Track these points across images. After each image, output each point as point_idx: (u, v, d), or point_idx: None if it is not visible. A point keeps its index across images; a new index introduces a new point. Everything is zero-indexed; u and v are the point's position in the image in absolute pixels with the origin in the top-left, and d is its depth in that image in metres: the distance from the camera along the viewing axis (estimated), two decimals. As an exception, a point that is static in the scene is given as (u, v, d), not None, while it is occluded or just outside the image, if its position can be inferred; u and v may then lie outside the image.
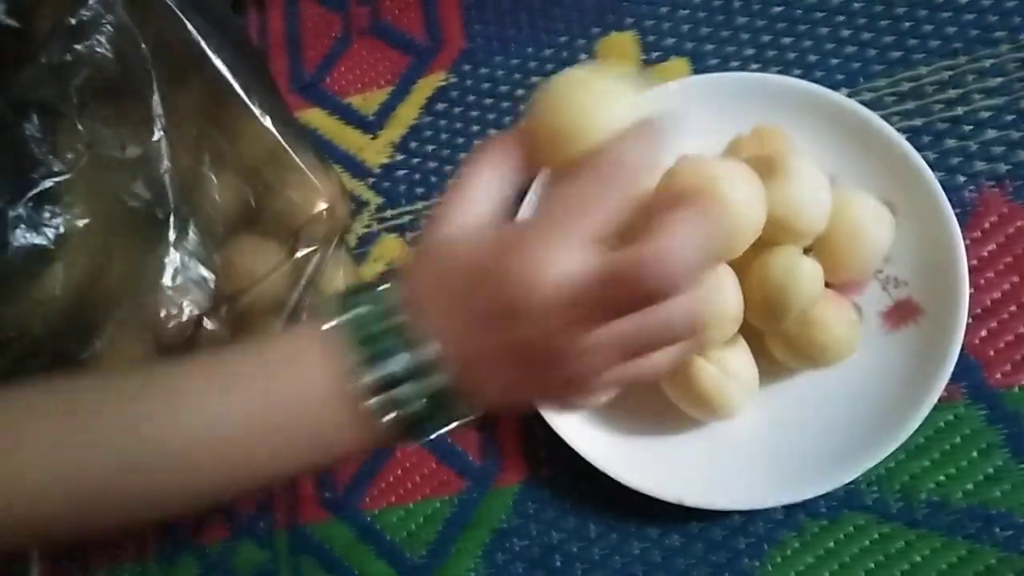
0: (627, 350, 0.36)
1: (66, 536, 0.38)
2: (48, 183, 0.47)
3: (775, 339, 0.52)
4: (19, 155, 0.46)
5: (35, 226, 0.46)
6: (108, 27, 0.52)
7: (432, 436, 0.39)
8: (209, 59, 0.55)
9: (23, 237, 0.46)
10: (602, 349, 0.35)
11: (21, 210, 0.45)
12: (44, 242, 0.47)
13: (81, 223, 0.48)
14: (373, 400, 0.36)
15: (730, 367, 0.51)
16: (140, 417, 0.37)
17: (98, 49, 0.52)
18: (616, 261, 0.33)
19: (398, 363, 0.36)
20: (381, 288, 0.38)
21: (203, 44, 0.55)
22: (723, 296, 0.49)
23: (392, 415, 0.37)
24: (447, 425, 0.39)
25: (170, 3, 0.53)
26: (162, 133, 0.53)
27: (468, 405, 0.38)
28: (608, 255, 0.34)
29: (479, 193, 0.39)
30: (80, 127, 0.48)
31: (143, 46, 0.53)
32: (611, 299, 0.34)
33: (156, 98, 0.53)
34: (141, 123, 0.52)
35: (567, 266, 0.34)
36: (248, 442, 0.37)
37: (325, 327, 0.37)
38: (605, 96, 0.37)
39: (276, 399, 0.37)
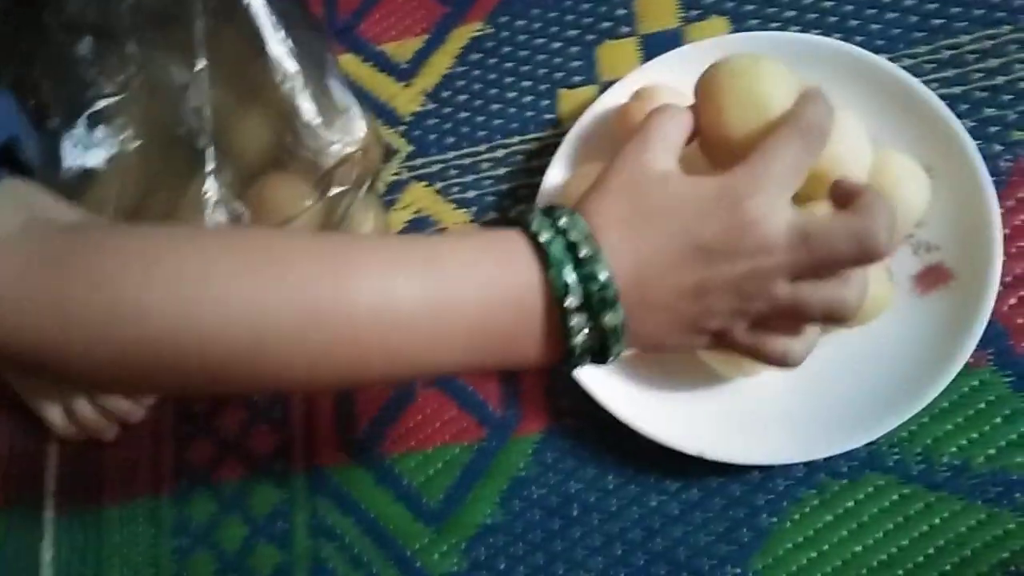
0: (803, 310, 0.39)
1: (231, 381, 0.38)
2: (102, 103, 0.46)
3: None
4: (73, 76, 0.46)
5: (89, 146, 0.46)
6: (156, -51, 0.52)
7: (582, 367, 0.40)
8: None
9: (78, 157, 0.46)
10: (787, 301, 0.38)
11: (76, 130, 0.45)
12: (97, 162, 0.47)
13: (133, 145, 0.48)
14: (574, 321, 0.37)
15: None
16: (337, 276, 0.37)
17: (147, -29, 0.52)
18: (847, 219, 0.38)
19: (582, 292, 0.37)
20: (569, 217, 0.39)
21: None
22: None
23: (578, 339, 0.38)
24: (602, 360, 0.40)
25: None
26: (205, 63, 0.53)
27: (627, 343, 0.39)
28: (823, 215, 0.39)
29: (665, 145, 0.41)
30: (131, 49, 0.48)
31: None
32: (821, 252, 0.37)
33: (199, 26, 0.53)
34: (186, 51, 0.52)
35: (790, 215, 0.37)
36: (439, 322, 0.37)
37: (529, 239, 0.38)
38: (777, 77, 0.43)
39: (477, 289, 0.38)
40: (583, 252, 0.37)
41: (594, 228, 0.38)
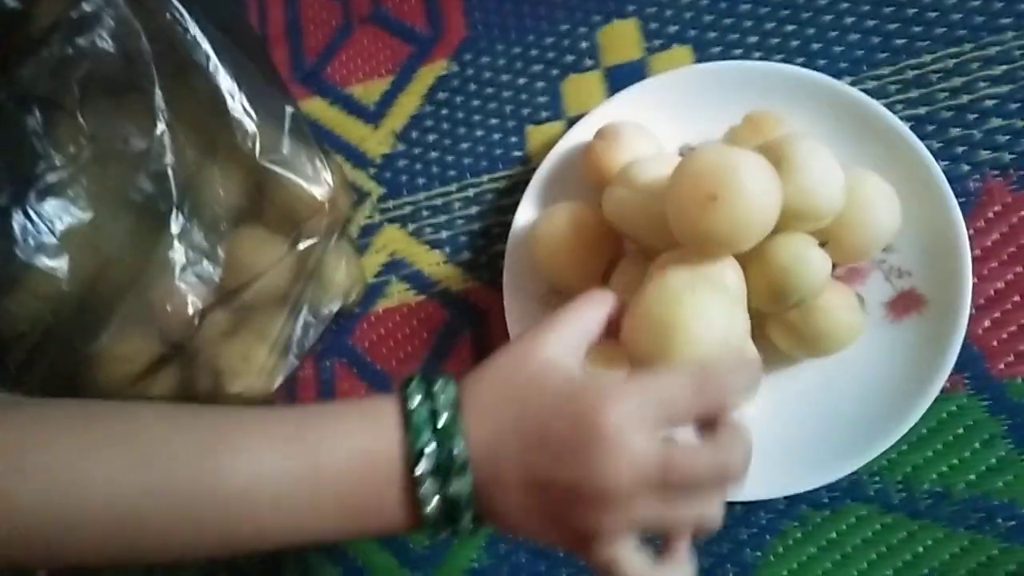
0: (665, 527, 0.40)
1: (112, 561, 0.38)
2: (51, 177, 0.47)
3: (777, 325, 0.52)
4: (21, 150, 0.46)
5: (40, 221, 0.46)
6: (109, 21, 0.52)
7: (439, 536, 0.41)
8: (207, 54, 0.54)
9: (29, 233, 0.46)
10: (648, 519, 0.38)
11: (26, 206, 0.45)
12: (49, 238, 0.47)
13: (85, 217, 0.48)
14: (425, 486, 0.38)
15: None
16: (203, 460, 0.38)
17: (100, 43, 0.52)
18: (709, 452, 0.38)
19: (437, 459, 0.38)
20: (444, 384, 0.40)
21: (201, 39, 0.54)
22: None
23: (429, 505, 0.38)
24: (455, 529, 0.40)
25: (170, -3, 0.53)
26: (165, 127, 0.53)
27: (480, 518, 0.39)
28: (675, 446, 0.37)
29: (568, 334, 0.41)
30: (82, 120, 0.48)
31: (144, 40, 0.53)
32: (681, 477, 0.37)
33: (158, 92, 0.53)
34: (144, 117, 0.52)
35: (649, 444, 0.37)
36: (306, 498, 0.38)
37: (396, 406, 0.39)
38: (703, 313, 0.42)
39: (343, 459, 0.38)
40: (443, 419, 0.38)
41: (463, 399, 0.39)
